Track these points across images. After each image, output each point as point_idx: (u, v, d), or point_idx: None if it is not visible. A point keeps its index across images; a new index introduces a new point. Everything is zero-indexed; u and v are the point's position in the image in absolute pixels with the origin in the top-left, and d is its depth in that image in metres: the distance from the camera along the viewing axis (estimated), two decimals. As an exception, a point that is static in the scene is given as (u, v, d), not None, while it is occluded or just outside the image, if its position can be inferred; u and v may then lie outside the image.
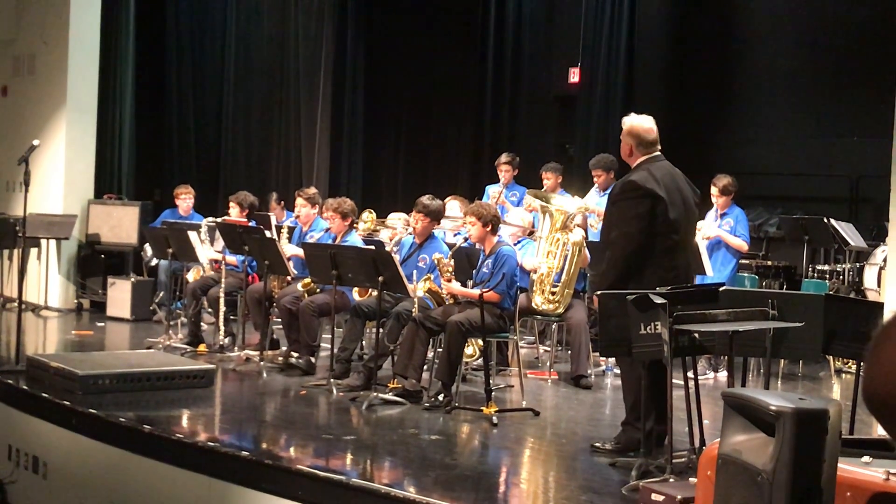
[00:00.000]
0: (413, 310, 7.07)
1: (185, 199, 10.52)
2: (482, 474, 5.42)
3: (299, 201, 8.68)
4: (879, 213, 9.60)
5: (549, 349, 8.58)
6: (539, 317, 8.00)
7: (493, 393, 6.67)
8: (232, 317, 8.86)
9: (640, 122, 5.81)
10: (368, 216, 9.30)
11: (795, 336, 5.21)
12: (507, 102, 13.29)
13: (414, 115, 14.07)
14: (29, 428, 6.69)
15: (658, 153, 5.77)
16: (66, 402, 6.44)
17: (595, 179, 9.18)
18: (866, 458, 3.44)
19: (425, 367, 7.06)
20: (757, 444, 3.40)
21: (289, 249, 8.37)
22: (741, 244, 8.35)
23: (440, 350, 7.01)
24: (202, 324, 8.96)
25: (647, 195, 5.53)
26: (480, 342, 7.19)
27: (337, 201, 8.29)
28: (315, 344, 7.85)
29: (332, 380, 7.19)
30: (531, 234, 8.24)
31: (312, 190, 8.99)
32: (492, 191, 10.05)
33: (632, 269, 5.49)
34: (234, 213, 9.19)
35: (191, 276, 9.01)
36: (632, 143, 5.76)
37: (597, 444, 5.75)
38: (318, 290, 7.91)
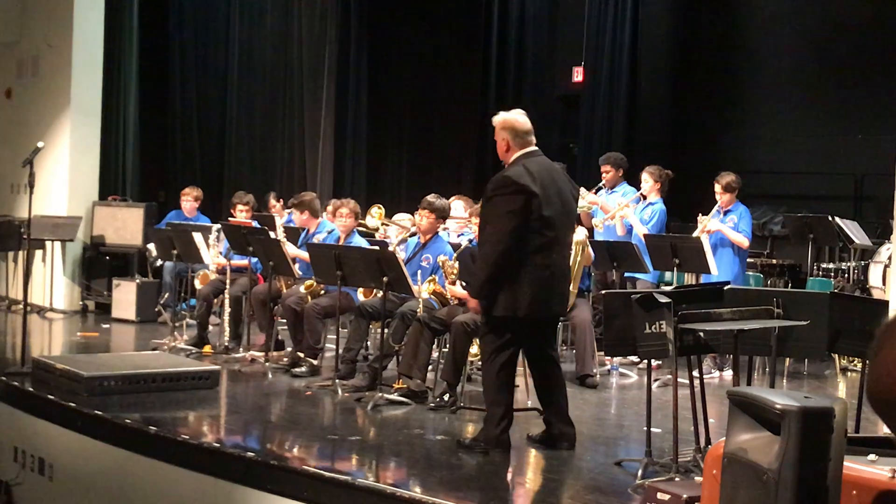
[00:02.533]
0: (418, 310, 7.07)
1: (186, 200, 10.51)
2: (487, 474, 5.42)
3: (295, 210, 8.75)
4: (884, 210, 9.59)
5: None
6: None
7: (498, 393, 6.66)
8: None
9: (512, 115, 5.69)
10: (377, 211, 9.28)
11: (801, 334, 5.21)
12: (510, 102, 13.24)
13: (418, 116, 14.08)
14: (34, 430, 6.70)
15: (535, 147, 5.65)
16: (71, 404, 6.45)
17: (603, 176, 9.16)
18: (872, 457, 3.43)
19: (430, 367, 7.05)
20: (762, 443, 3.39)
21: (292, 252, 8.36)
22: (741, 240, 8.26)
23: (445, 350, 7.01)
24: (208, 325, 8.97)
25: (520, 191, 5.41)
26: (485, 342, 7.16)
27: (341, 202, 8.30)
28: (318, 347, 7.85)
29: (337, 380, 7.19)
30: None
31: (309, 195, 8.89)
32: None
33: (505, 267, 5.40)
34: (245, 216, 9.20)
35: (198, 283, 9.00)
36: (508, 137, 5.63)
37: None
38: (322, 291, 7.91)
